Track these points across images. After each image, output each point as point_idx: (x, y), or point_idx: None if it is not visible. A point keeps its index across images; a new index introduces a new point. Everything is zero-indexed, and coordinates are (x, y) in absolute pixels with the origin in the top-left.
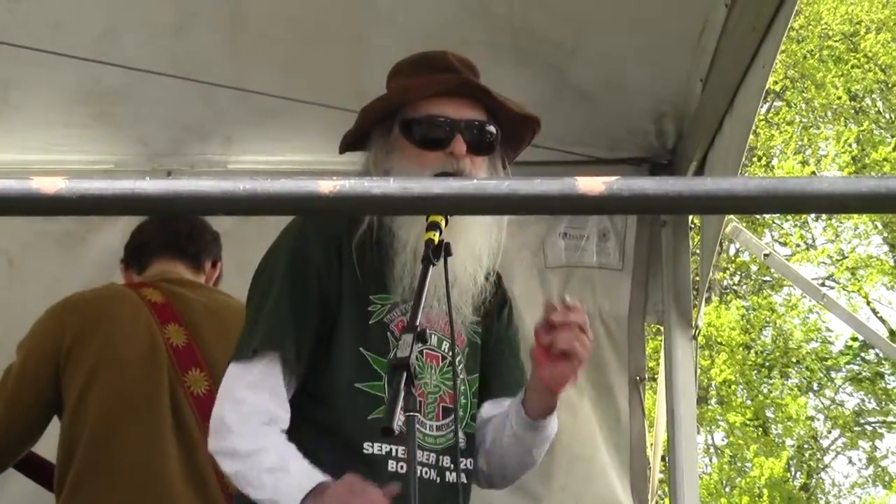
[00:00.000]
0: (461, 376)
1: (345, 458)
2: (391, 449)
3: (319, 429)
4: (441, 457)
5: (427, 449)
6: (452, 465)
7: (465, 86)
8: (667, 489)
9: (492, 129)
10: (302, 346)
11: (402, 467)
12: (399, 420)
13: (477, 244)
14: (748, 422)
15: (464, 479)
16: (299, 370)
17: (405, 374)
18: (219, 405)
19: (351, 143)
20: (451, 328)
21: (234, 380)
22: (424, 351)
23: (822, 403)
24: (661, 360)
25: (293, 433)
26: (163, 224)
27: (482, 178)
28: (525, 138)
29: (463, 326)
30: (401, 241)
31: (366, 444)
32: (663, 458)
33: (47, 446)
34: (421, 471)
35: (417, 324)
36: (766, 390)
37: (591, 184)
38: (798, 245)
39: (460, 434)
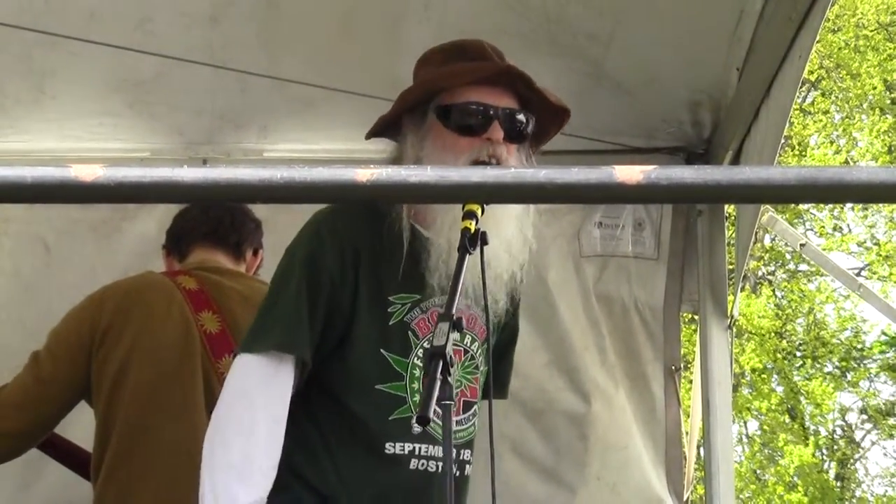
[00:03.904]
0: (481, 368)
1: (365, 458)
2: (413, 447)
3: (339, 430)
4: (462, 450)
5: None
6: (470, 458)
7: (506, 74)
8: (702, 477)
9: (527, 117)
10: (311, 349)
11: (422, 465)
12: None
13: (509, 237)
14: (775, 407)
15: (467, 472)
16: (307, 371)
17: (441, 363)
18: (228, 405)
19: (378, 130)
20: (486, 315)
21: (245, 381)
22: None
23: (856, 393)
24: (697, 350)
25: (311, 434)
26: (204, 211)
27: (519, 167)
28: (551, 130)
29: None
30: (431, 237)
31: (388, 444)
32: (699, 448)
33: (82, 433)
34: (441, 465)
35: (453, 312)
36: (798, 379)
37: (629, 173)
38: (830, 234)
39: (474, 425)
